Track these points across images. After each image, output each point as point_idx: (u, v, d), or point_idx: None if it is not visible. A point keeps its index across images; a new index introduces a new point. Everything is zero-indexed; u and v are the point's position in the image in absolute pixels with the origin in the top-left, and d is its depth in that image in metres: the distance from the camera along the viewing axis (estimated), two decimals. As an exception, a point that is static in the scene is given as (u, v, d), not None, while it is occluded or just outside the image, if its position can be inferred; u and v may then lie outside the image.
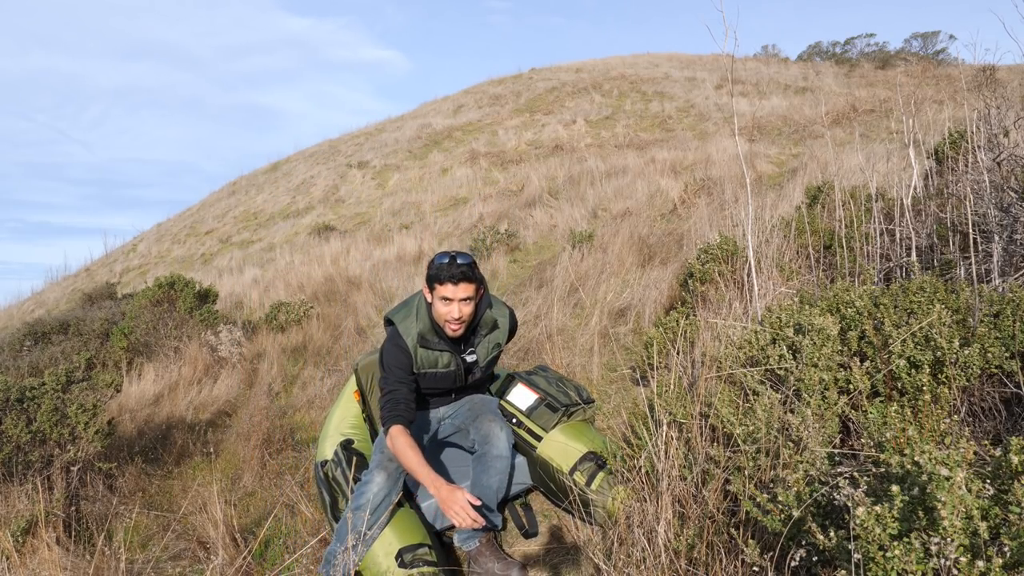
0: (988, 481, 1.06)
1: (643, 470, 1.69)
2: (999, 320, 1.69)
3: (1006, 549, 0.93)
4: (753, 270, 2.37)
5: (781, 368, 1.75)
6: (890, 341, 1.69)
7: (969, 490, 0.99)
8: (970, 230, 2.23)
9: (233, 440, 3.33)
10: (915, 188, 3.14)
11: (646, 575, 1.48)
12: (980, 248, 2.35)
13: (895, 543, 0.97)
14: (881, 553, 0.99)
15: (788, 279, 2.95)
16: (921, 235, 2.80)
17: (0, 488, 2.45)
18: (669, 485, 1.56)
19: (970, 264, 2.17)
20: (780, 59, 19.09)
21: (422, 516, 2.03)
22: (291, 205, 13.12)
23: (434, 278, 1.90)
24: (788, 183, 5.89)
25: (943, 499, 0.95)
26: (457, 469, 2.20)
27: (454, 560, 2.05)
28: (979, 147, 2.71)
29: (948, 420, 1.44)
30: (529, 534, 2.14)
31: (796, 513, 1.19)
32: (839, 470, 1.31)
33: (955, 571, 0.93)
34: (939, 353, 1.60)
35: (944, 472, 0.98)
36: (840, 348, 1.78)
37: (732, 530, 1.39)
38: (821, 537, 1.11)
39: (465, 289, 1.90)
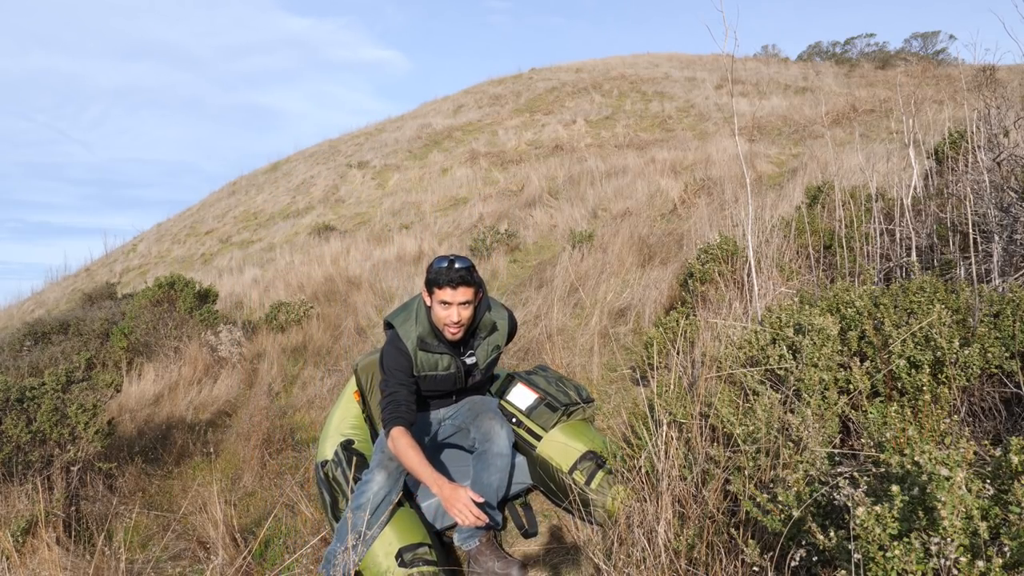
0: (988, 481, 1.06)
1: (643, 470, 1.69)
2: (999, 320, 1.69)
3: (1006, 549, 0.93)
4: (753, 270, 2.37)
5: (781, 368, 1.75)
6: (890, 341, 1.69)
7: (969, 490, 0.99)
8: (970, 230, 2.23)
9: (233, 440, 3.33)
10: (915, 188, 3.14)
11: (646, 575, 1.48)
12: (980, 248, 2.35)
13: (895, 543, 0.97)
14: (881, 553, 0.99)
15: (788, 279, 2.95)
16: (921, 235, 2.80)
17: (0, 488, 2.45)
18: (669, 485, 1.56)
19: (970, 264, 2.17)
20: (780, 59, 19.10)
21: (422, 516, 2.03)
22: (291, 205, 13.12)
23: (433, 282, 1.92)
24: (788, 183, 5.89)
25: (943, 499, 0.95)
26: (458, 469, 2.20)
27: (454, 560, 2.05)
28: (979, 147, 2.71)
29: (948, 420, 1.44)
30: (529, 534, 2.14)
31: (796, 513, 1.19)
32: (839, 470, 1.31)
33: (955, 571, 0.93)
34: (939, 353, 1.60)
35: (944, 472, 0.98)
36: (840, 348, 1.78)
37: (732, 530, 1.39)
38: (821, 537, 1.11)
39: (464, 293, 1.91)
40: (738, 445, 1.54)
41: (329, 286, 6.41)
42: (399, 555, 1.77)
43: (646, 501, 1.59)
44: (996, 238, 2.30)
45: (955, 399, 1.64)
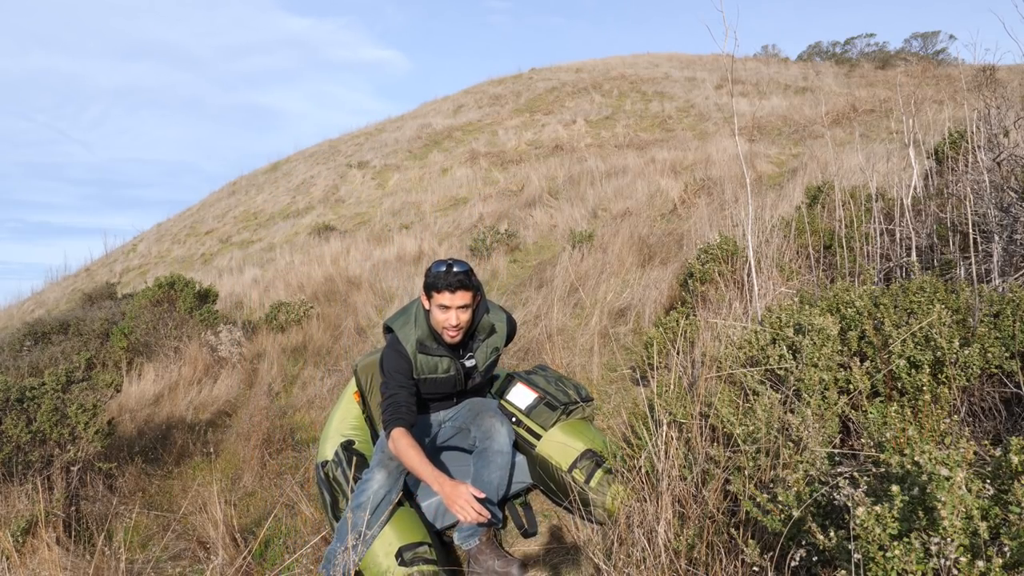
0: (988, 481, 1.06)
1: (643, 470, 1.69)
2: (999, 320, 1.69)
3: (1006, 549, 0.93)
4: (753, 270, 2.37)
5: (781, 368, 1.75)
6: (890, 341, 1.69)
7: (969, 490, 0.99)
8: (970, 230, 2.23)
9: (233, 440, 3.33)
10: (915, 188, 3.14)
11: (646, 575, 1.48)
12: (980, 248, 2.35)
13: (895, 543, 0.97)
14: (881, 553, 0.99)
15: (788, 279, 2.95)
16: (921, 235, 2.80)
17: (0, 488, 2.45)
18: (669, 485, 1.56)
19: (970, 264, 2.17)
20: (780, 59, 19.09)
21: (422, 515, 2.04)
22: (291, 205, 13.12)
23: (432, 286, 1.94)
24: (788, 183, 5.89)
25: (943, 499, 0.95)
26: (458, 470, 2.20)
27: (454, 559, 2.05)
28: (979, 147, 2.71)
29: (948, 420, 1.44)
30: (529, 533, 2.14)
31: (796, 513, 1.19)
32: (839, 470, 1.31)
33: (955, 571, 0.93)
34: (939, 353, 1.60)
35: (944, 472, 0.98)
36: (840, 348, 1.78)
37: (732, 530, 1.39)
38: (821, 537, 1.11)
39: (462, 297, 1.93)
40: (738, 445, 1.54)
41: (329, 286, 6.41)
42: (399, 554, 1.78)
43: (646, 501, 1.59)
44: (996, 238, 2.30)
45: (955, 399, 1.64)
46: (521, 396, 2.28)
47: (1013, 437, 1.04)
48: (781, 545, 1.24)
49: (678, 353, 2.18)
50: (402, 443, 1.83)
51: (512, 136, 13.62)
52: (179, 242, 13.71)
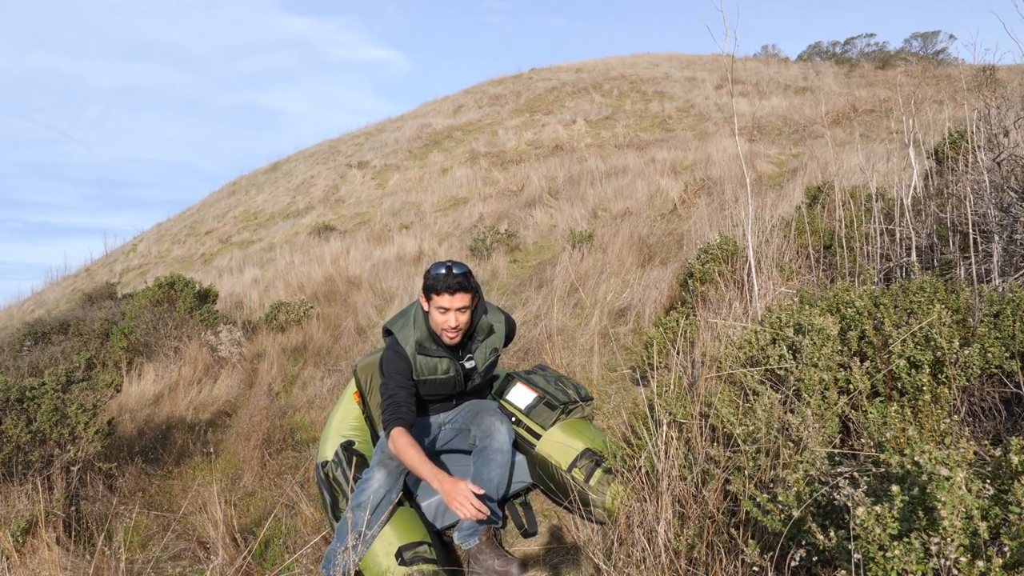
0: (988, 481, 1.06)
1: (643, 470, 1.69)
2: (999, 320, 1.69)
3: (1006, 549, 0.93)
4: (753, 270, 2.37)
5: (781, 368, 1.75)
6: (890, 341, 1.69)
7: (969, 490, 0.99)
8: (970, 230, 2.23)
9: (233, 440, 3.33)
10: (915, 188, 3.14)
11: (646, 575, 1.48)
12: (980, 248, 2.35)
13: (895, 543, 0.97)
14: (881, 553, 0.99)
15: (788, 279, 2.95)
16: (921, 235, 2.80)
17: (0, 488, 2.45)
18: (669, 485, 1.56)
19: (970, 264, 2.17)
20: (780, 59, 19.09)
21: (422, 515, 2.04)
22: (291, 205, 13.12)
23: (431, 288, 1.95)
24: (788, 183, 5.89)
25: (943, 499, 0.95)
26: (459, 472, 2.20)
27: (454, 559, 2.05)
28: (979, 147, 2.71)
29: (948, 420, 1.44)
30: (529, 533, 2.14)
31: (796, 513, 1.19)
32: (839, 470, 1.31)
33: (955, 571, 0.93)
34: (939, 353, 1.60)
35: (944, 472, 0.98)
36: (840, 348, 1.78)
37: (732, 530, 1.39)
38: (821, 537, 1.11)
39: (461, 299, 1.94)
40: (738, 445, 1.54)
41: (329, 286, 6.41)
42: (399, 554, 1.78)
43: (646, 501, 1.59)
44: (996, 238, 2.30)
45: (955, 399, 1.64)
46: (520, 396, 2.28)
47: (1013, 437, 1.04)
48: (781, 545, 1.24)
49: (678, 353, 2.18)
50: (401, 442, 1.84)
51: (512, 136, 13.62)
52: (179, 242, 13.71)
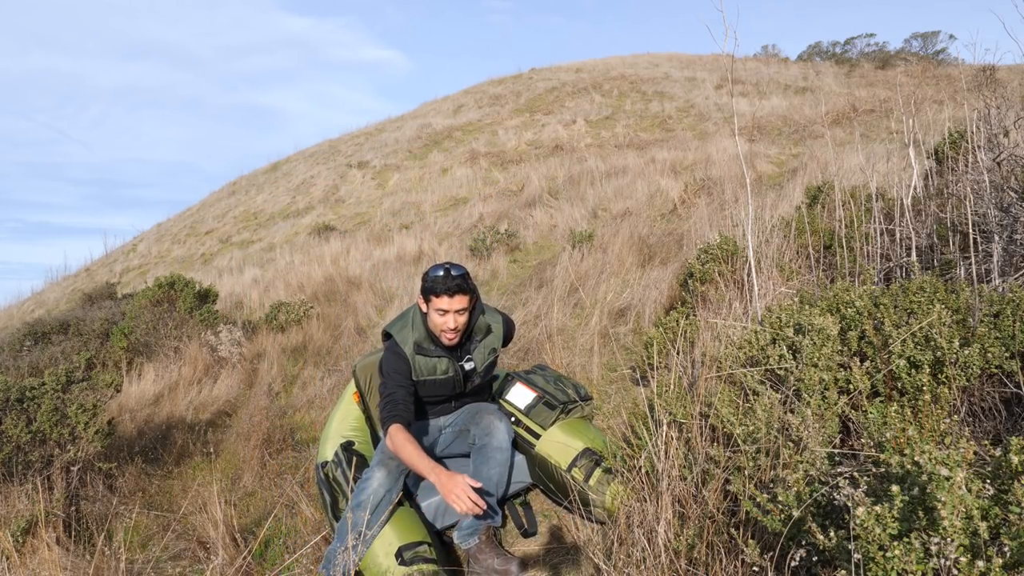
0: (988, 481, 1.06)
1: (643, 470, 1.69)
2: (999, 320, 1.69)
3: (1006, 549, 0.93)
4: (753, 270, 2.37)
5: (781, 368, 1.75)
6: (890, 341, 1.69)
7: (969, 490, 0.99)
8: (970, 230, 2.23)
9: (233, 440, 3.33)
10: (915, 188, 3.14)
11: (646, 575, 1.48)
12: (980, 248, 2.35)
13: (895, 543, 0.97)
14: (881, 553, 0.99)
15: (788, 279, 2.95)
16: (921, 235, 2.80)
17: (0, 488, 2.45)
18: (669, 485, 1.56)
19: (970, 264, 2.17)
20: (780, 59, 19.09)
21: (422, 516, 2.04)
22: (291, 205, 13.12)
23: (430, 290, 1.97)
24: (788, 183, 5.89)
25: (943, 499, 0.95)
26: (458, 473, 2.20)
27: (454, 559, 2.05)
28: (979, 147, 2.71)
29: (948, 420, 1.44)
30: (528, 533, 2.14)
31: (796, 513, 1.19)
32: (839, 470, 1.31)
33: (955, 571, 0.93)
34: (939, 353, 1.60)
35: (944, 472, 0.98)
36: (840, 348, 1.78)
37: (732, 530, 1.39)
38: (821, 537, 1.11)
39: (460, 300, 1.96)
40: (738, 445, 1.54)
41: (329, 286, 6.41)
42: (399, 553, 1.78)
43: (646, 501, 1.59)
44: (996, 238, 2.30)
45: (955, 399, 1.64)
46: (520, 396, 2.28)
47: (1013, 437, 1.04)
48: (781, 545, 1.24)
49: (678, 353, 2.18)
50: (398, 438, 1.85)
51: (512, 136, 13.62)
52: (179, 242, 13.71)
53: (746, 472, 1.46)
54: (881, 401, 1.58)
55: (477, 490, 1.75)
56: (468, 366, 2.13)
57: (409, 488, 2.07)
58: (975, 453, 1.14)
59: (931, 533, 0.97)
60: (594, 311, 3.93)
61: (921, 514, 1.00)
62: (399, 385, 2.00)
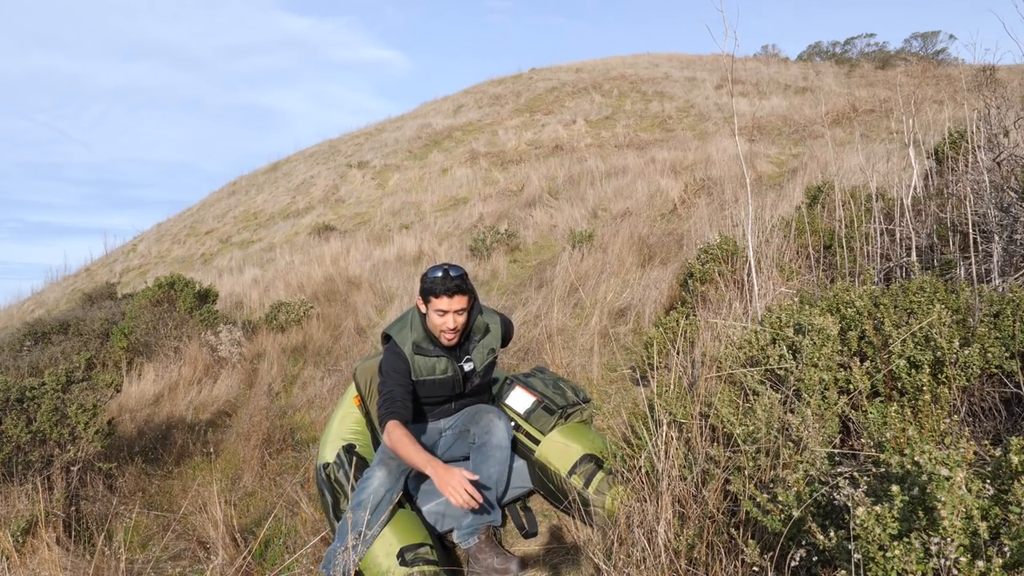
0: (988, 481, 1.06)
1: (643, 470, 1.69)
2: (999, 320, 1.69)
3: (1006, 549, 0.93)
4: (753, 270, 2.37)
5: (781, 368, 1.75)
6: (890, 341, 1.69)
7: (969, 490, 0.99)
8: (970, 230, 2.23)
9: (233, 440, 3.33)
10: (915, 188, 3.14)
11: (646, 575, 1.48)
12: (980, 248, 2.35)
13: (895, 543, 0.97)
14: (881, 553, 0.99)
15: (788, 279, 2.95)
16: (921, 235, 2.80)
17: (0, 488, 2.45)
18: (669, 485, 1.56)
19: (970, 264, 2.17)
20: (780, 59, 19.09)
21: (423, 519, 2.04)
22: (291, 205, 13.12)
23: (429, 291, 1.98)
24: (788, 183, 5.89)
25: (943, 499, 0.95)
26: None
27: (455, 561, 2.05)
28: (979, 147, 2.71)
29: (948, 420, 1.44)
30: (529, 534, 2.14)
31: (796, 513, 1.19)
32: (839, 470, 1.31)
33: (955, 571, 0.93)
34: (939, 353, 1.60)
35: (944, 472, 0.98)
36: (840, 348, 1.78)
37: (732, 530, 1.39)
38: (821, 537, 1.11)
39: (459, 301, 1.98)
40: (738, 445, 1.54)
41: (329, 286, 6.41)
42: (400, 554, 1.78)
43: (646, 501, 1.59)
44: (996, 238, 2.30)
45: (955, 399, 1.64)
46: (520, 400, 2.28)
47: (1013, 437, 1.04)
48: (781, 545, 1.23)
49: (678, 353, 2.18)
50: (396, 434, 1.86)
51: (512, 136, 13.62)
52: (179, 242, 13.71)
53: (746, 472, 1.46)
54: (881, 401, 1.58)
55: (476, 486, 1.75)
56: (467, 366, 2.13)
57: (410, 492, 2.07)
58: (975, 453, 1.14)
59: (931, 533, 0.97)
60: (594, 311, 3.93)
61: (921, 514, 1.00)
62: (398, 384, 2.01)
